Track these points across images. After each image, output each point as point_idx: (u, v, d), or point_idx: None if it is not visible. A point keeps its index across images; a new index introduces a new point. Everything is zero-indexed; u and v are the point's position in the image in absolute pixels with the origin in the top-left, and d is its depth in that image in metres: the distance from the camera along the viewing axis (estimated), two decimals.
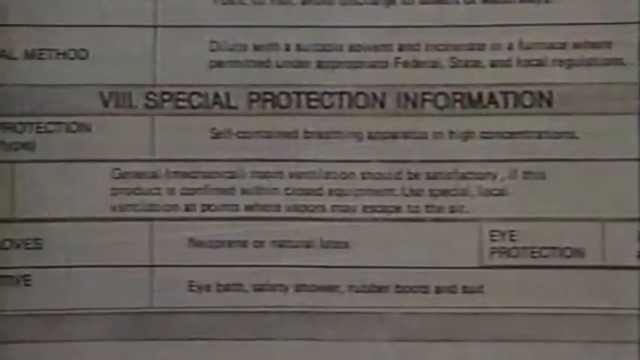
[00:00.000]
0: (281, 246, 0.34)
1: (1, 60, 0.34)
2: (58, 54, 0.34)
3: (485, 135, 0.34)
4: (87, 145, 0.34)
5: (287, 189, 0.34)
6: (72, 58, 0.34)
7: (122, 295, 0.34)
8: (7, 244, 0.33)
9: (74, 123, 0.34)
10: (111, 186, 0.34)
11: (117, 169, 0.34)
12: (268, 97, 0.34)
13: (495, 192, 0.34)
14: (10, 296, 0.33)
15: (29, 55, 0.34)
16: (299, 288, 0.34)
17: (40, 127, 0.34)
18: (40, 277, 0.33)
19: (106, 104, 0.34)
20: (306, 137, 0.34)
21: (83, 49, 0.34)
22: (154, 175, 0.34)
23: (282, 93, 0.34)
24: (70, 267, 0.34)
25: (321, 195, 0.34)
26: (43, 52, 0.34)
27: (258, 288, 0.34)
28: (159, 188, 0.34)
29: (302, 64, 0.34)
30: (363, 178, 0.34)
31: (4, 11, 0.33)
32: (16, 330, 0.33)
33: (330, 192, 0.34)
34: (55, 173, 0.34)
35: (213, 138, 0.34)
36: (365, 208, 0.34)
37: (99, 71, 0.34)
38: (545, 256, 0.34)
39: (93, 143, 0.34)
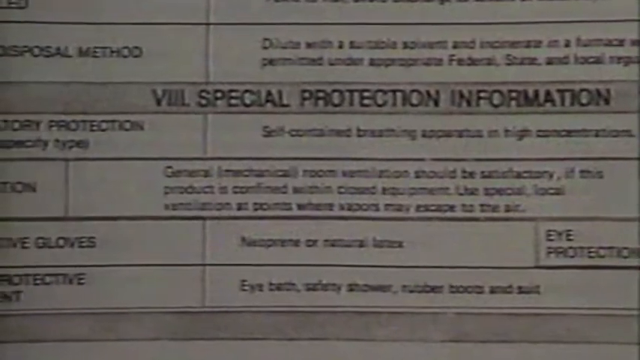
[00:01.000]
0: (333, 245, 0.34)
1: (56, 58, 0.33)
2: (112, 52, 0.33)
3: (542, 133, 0.33)
4: (140, 143, 0.33)
5: (340, 187, 0.34)
6: (125, 56, 0.33)
7: (174, 295, 0.33)
8: (61, 242, 0.33)
9: (127, 121, 0.33)
10: (164, 184, 0.33)
11: (169, 167, 0.33)
12: (321, 94, 0.34)
13: (552, 191, 0.33)
14: (64, 295, 0.33)
15: (83, 53, 0.33)
16: (352, 287, 0.34)
17: (93, 125, 0.33)
18: (94, 276, 0.33)
19: (158, 102, 0.33)
20: (359, 135, 0.34)
21: (136, 47, 0.33)
22: (207, 174, 0.33)
23: (334, 91, 0.34)
24: (123, 266, 0.33)
25: (374, 194, 0.34)
26: (97, 49, 0.33)
27: (311, 287, 0.34)
28: (211, 187, 0.33)
29: (355, 62, 0.34)
30: (417, 177, 0.34)
31: (58, 9, 0.33)
32: (70, 329, 0.33)
33: (384, 191, 0.34)
34: (109, 171, 0.33)
35: (266, 136, 0.33)
36: (419, 207, 0.34)
37: (152, 69, 0.33)
38: (603, 256, 0.33)
39: (146, 141, 0.33)
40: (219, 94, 0.33)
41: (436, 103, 0.34)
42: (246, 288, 0.33)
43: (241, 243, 0.33)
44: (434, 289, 0.33)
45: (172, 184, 0.33)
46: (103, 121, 0.33)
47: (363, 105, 0.34)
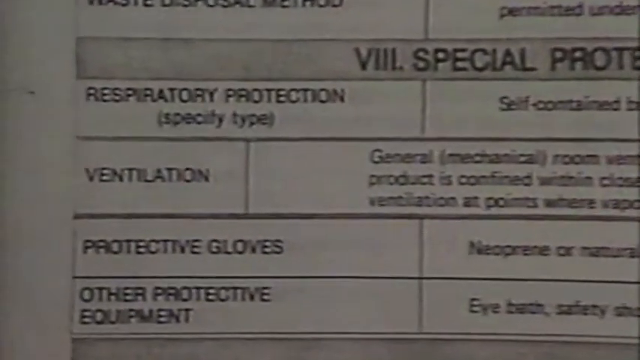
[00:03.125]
0: (595, 255, 0.26)
1: (235, 8, 0.27)
2: (304, 0, 0.27)
3: None
4: (339, 118, 0.27)
5: (603, 179, 0.26)
6: (321, 6, 0.27)
7: (382, 316, 0.26)
8: (240, 246, 0.27)
9: (323, 90, 0.27)
10: (369, 173, 0.27)
11: (377, 150, 0.27)
12: (578, 54, 0.26)
13: None
14: (243, 314, 0.26)
15: (268, 2, 0.27)
16: (620, 312, 0.26)
17: (280, 96, 0.27)
18: (281, 290, 0.26)
19: (363, 66, 0.27)
20: (630, 109, 0.26)
21: None
22: (425, 159, 0.27)
23: (597, 50, 0.26)
24: (317, 277, 0.26)
25: None
26: None
27: (565, 310, 0.26)
28: (430, 176, 0.27)
29: (625, 10, 0.26)
30: None
31: None
32: (255, 358, 0.26)
33: None
34: (299, 155, 0.27)
35: (504, 110, 0.26)
36: None
37: (355, 22, 0.27)
38: None
39: (346, 117, 0.27)
40: (441, 55, 0.27)
41: None
42: (476, 309, 0.26)
43: (470, 250, 0.26)
44: None
45: (380, 172, 0.27)
46: (292, 89, 0.27)
47: (636, 68, 0.26)
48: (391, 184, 0.27)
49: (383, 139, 0.26)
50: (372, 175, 0.27)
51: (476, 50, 0.26)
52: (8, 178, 0.26)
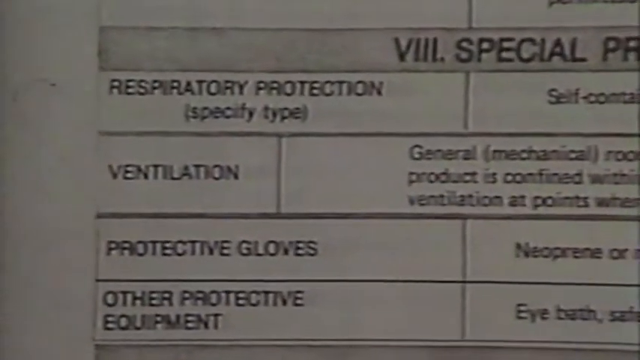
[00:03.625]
0: None
1: None
2: None
3: None
4: (376, 112, 0.25)
5: None
6: None
7: (422, 322, 0.25)
8: (272, 248, 0.25)
9: (360, 83, 0.25)
10: (408, 170, 0.25)
11: (417, 146, 0.25)
12: (632, 44, 0.25)
13: None
14: (276, 320, 0.25)
15: None
16: None
17: (314, 88, 0.25)
18: (316, 295, 0.25)
19: (402, 56, 0.25)
20: None
21: None
22: (468, 156, 0.25)
23: None
24: (353, 281, 0.25)
25: None
26: None
27: (618, 317, 0.24)
28: (474, 174, 0.25)
29: None
30: None
31: None
32: None
33: None
34: (334, 151, 0.25)
35: (552, 103, 0.25)
36: None
37: (394, 9, 0.25)
38: None
39: (384, 110, 0.25)
40: (486, 45, 0.25)
41: None
42: (523, 315, 0.25)
43: (516, 252, 0.25)
44: None
45: (420, 170, 0.25)
46: (327, 82, 0.25)
47: None
48: (432, 182, 0.25)
49: (423, 134, 0.25)
50: (412, 173, 0.25)
51: (523, 40, 0.25)
52: (27, 175, 0.25)
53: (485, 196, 0.25)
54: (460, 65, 0.25)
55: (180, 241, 0.25)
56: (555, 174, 0.25)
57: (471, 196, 0.25)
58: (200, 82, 0.25)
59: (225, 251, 0.25)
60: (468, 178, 0.25)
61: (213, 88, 0.25)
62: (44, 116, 0.25)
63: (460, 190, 0.25)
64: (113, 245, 0.25)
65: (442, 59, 0.25)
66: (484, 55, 0.25)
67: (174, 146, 0.25)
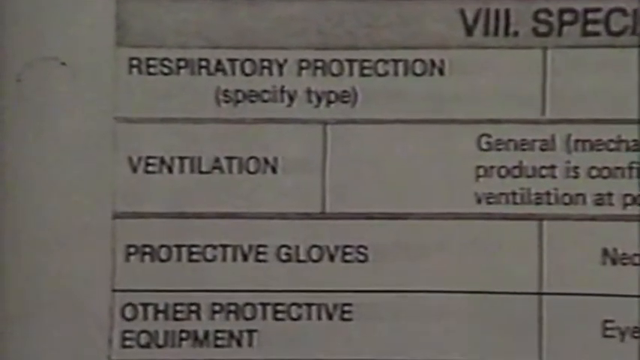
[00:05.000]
0: None
1: None
2: None
3: None
4: (438, 96, 0.23)
5: None
6: None
7: (492, 340, 0.22)
8: (315, 253, 0.23)
9: (418, 61, 0.23)
10: (475, 163, 0.23)
11: (485, 135, 0.23)
12: None
13: None
14: (320, 337, 0.22)
15: None
16: None
17: (365, 68, 0.23)
18: (366, 307, 0.22)
19: (469, 31, 0.23)
20: None
21: None
22: (546, 146, 0.23)
23: None
24: (411, 292, 0.22)
25: None
26: None
27: None
28: (552, 167, 0.23)
29: None
30: None
31: None
32: None
33: None
34: (387, 141, 0.23)
35: None
36: None
37: None
38: None
39: (447, 94, 0.23)
40: (567, 17, 0.23)
41: None
42: (611, 333, 0.22)
43: (602, 259, 0.22)
44: None
45: (489, 162, 0.23)
46: (380, 60, 0.23)
47: None
48: (503, 177, 0.23)
49: (493, 121, 0.23)
50: (479, 166, 0.23)
51: (612, 10, 0.22)
52: (32, 169, 0.22)
53: (566, 194, 0.23)
54: (537, 40, 0.23)
55: (209, 245, 0.23)
56: None
57: (548, 193, 0.23)
58: (232, 60, 0.23)
59: (261, 257, 0.23)
60: (545, 172, 0.23)
61: (247, 67, 0.23)
62: (52, 100, 0.23)
63: (536, 186, 0.23)
64: (132, 250, 0.23)
65: (516, 33, 0.23)
66: (565, 29, 0.23)
67: (202, 135, 0.23)
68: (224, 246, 0.23)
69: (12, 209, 0.22)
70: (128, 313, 0.22)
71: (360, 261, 0.23)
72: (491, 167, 0.23)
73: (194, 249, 0.23)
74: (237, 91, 0.23)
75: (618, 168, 0.22)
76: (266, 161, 0.23)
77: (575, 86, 0.22)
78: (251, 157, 0.23)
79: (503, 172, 0.23)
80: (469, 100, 0.23)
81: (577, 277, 0.22)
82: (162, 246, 0.23)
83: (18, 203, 0.22)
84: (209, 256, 0.23)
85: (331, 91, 0.23)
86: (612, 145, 0.22)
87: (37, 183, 0.22)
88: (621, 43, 0.22)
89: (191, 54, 0.23)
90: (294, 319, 0.22)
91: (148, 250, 0.23)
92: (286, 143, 0.23)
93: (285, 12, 0.23)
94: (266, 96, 0.23)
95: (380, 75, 0.23)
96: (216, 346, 0.22)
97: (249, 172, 0.23)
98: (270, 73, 0.23)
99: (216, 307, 0.22)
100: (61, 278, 0.22)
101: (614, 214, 0.22)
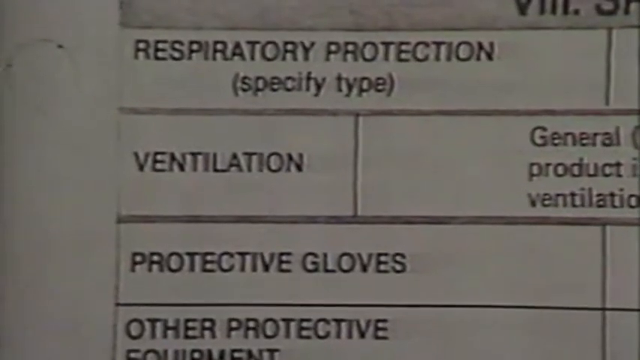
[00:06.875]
0: None
1: None
2: None
3: None
4: (485, 84, 0.21)
5: None
6: None
7: None
8: (346, 262, 0.21)
9: (463, 44, 0.22)
10: (529, 160, 0.21)
11: (540, 128, 0.21)
12: None
13: None
14: (352, 356, 0.21)
15: None
16: None
17: (402, 52, 0.21)
18: (404, 323, 0.21)
19: (522, 9, 0.22)
20: None
21: None
22: (610, 141, 0.21)
23: None
24: (455, 306, 0.21)
25: None
26: None
27: None
28: (617, 165, 0.21)
29: None
30: None
31: None
32: None
33: None
34: (427, 135, 0.21)
35: None
36: None
37: None
38: None
39: (497, 81, 0.21)
40: None
41: None
42: None
43: None
44: None
45: (544, 160, 0.22)
46: (419, 43, 0.22)
47: None
48: (560, 175, 0.21)
49: (549, 112, 0.21)
50: (534, 164, 0.21)
51: None
52: (28, 166, 0.21)
53: (632, 195, 0.21)
54: (600, 20, 0.21)
55: (225, 253, 0.21)
56: None
57: (612, 194, 0.21)
58: (252, 43, 0.22)
59: (285, 266, 0.21)
60: (609, 170, 0.21)
61: (269, 51, 0.22)
62: (49, 88, 0.21)
63: (598, 186, 0.21)
64: (139, 258, 0.21)
65: (576, 12, 0.21)
66: (633, 6, 0.21)
67: (218, 128, 0.22)
68: (242, 254, 0.21)
69: (7, 215, 0.21)
70: (133, 330, 0.21)
71: (397, 271, 0.21)
72: (547, 165, 0.21)
73: (208, 257, 0.21)
74: (258, 78, 0.22)
75: None
76: (290, 158, 0.22)
77: None
78: (273, 154, 0.22)
79: (560, 170, 0.21)
80: (521, 88, 0.21)
81: (632, 291, 0.20)
82: (173, 254, 0.21)
83: (13, 208, 0.21)
84: (225, 266, 0.21)
85: (364, 78, 0.22)
86: None
87: (33, 183, 0.21)
88: None
89: (205, 36, 0.22)
90: (322, 337, 0.21)
91: (156, 258, 0.21)
92: (313, 137, 0.22)
93: None
94: (290, 84, 0.22)
95: (419, 60, 0.22)
96: None
97: (271, 171, 0.22)
98: (295, 58, 0.22)
99: (233, 324, 0.21)
100: (59, 291, 0.21)
101: None
